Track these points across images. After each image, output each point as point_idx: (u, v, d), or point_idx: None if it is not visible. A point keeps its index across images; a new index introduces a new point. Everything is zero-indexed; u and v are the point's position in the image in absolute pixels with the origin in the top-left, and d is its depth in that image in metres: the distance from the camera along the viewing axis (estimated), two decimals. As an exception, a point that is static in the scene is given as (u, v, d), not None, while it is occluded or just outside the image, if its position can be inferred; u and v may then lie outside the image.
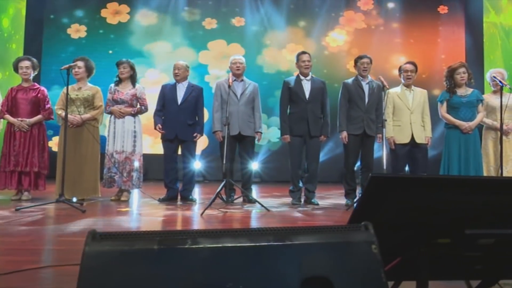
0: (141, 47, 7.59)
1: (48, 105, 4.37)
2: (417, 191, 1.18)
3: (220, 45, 7.77)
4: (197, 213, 3.56)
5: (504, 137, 4.37)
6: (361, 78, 4.46)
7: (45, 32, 7.46)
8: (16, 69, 4.31)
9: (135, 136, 4.37)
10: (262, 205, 3.93)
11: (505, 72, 4.60)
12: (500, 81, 3.98)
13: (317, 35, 8.02)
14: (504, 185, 1.21)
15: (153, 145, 7.30)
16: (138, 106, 4.41)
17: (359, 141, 4.38)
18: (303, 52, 4.49)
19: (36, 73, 4.43)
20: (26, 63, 4.31)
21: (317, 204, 4.30)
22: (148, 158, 6.76)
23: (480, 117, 4.30)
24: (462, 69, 4.31)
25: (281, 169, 6.39)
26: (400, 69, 4.52)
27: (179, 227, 3.08)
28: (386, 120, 4.08)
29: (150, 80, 7.39)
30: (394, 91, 4.46)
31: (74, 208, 3.51)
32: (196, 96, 4.47)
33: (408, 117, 4.33)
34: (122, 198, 4.32)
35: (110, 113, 4.36)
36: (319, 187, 4.63)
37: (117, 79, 4.40)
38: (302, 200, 4.45)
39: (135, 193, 4.77)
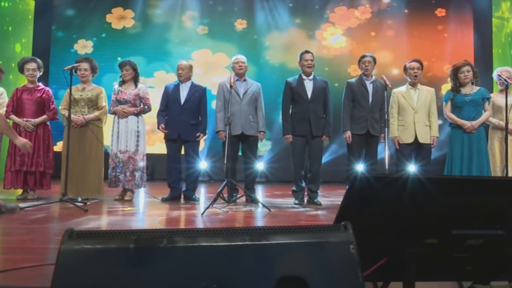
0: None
1: (53, 106, 4.43)
2: (402, 191, 1.16)
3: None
4: (198, 213, 3.57)
5: (510, 137, 4.29)
6: (365, 77, 4.43)
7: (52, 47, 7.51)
8: (21, 70, 4.37)
9: (138, 136, 4.40)
10: (264, 205, 3.93)
11: (512, 70, 4.52)
12: (505, 80, 3.92)
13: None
14: (491, 185, 1.19)
15: (161, 145, 7.33)
16: (141, 105, 4.43)
17: (363, 141, 4.35)
18: (306, 52, 4.47)
19: (41, 73, 4.49)
20: (32, 65, 4.37)
21: (320, 204, 4.28)
22: (155, 158, 6.85)
23: (485, 116, 4.23)
24: (466, 68, 4.25)
25: (286, 169, 6.38)
26: (405, 68, 4.47)
27: (177, 226, 3.09)
28: (388, 120, 4.04)
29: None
30: (399, 91, 4.42)
31: (77, 208, 3.55)
32: (199, 96, 4.49)
33: (412, 116, 4.29)
34: (126, 198, 4.35)
35: (114, 113, 4.40)
36: (324, 187, 4.61)
37: (121, 79, 4.43)
38: (305, 200, 4.43)
39: (139, 193, 4.81)
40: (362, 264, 1.29)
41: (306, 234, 0.95)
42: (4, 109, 4.27)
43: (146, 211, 3.82)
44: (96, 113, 4.31)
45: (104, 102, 4.38)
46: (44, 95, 4.40)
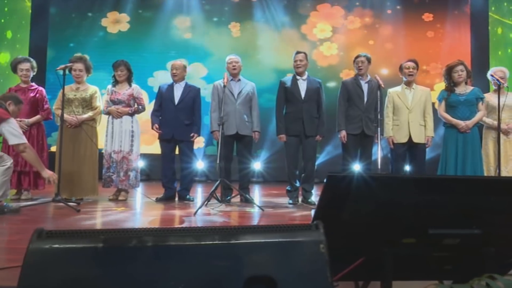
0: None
1: (47, 105, 4.43)
2: (377, 190, 1.16)
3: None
4: (191, 213, 3.57)
5: (504, 137, 4.30)
6: (360, 77, 4.43)
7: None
8: (14, 70, 4.37)
9: (132, 136, 4.40)
10: (257, 205, 3.93)
11: (507, 70, 4.52)
12: (497, 80, 3.91)
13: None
14: (467, 184, 1.19)
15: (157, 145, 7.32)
16: (136, 105, 4.43)
17: (358, 141, 4.35)
18: (297, 52, 4.48)
19: (34, 73, 4.49)
20: (26, 65, 4.37)
21: (314, 204, 4.28)
22: (154, 158, 6.85)
23: (479, 115, 4.23)
24: (460, 67, 4.25)
25: (283, 169, 6.36)
26: (400, 67, 4.47)
27: (167, 226, 3.09)
28: (381, 120, 4.04)
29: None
30: (394, 90, 4.42)
31: (70, 208, 3.55)
32: (193, 96, 4.49)
33: (407, 116, 4.29)
34: (120, 198, 4.35)
35: (108, 113, 4.40)
36: (318, 187, 4.61)
37: (114, 80, 4.42)
38: (300, 199, 4.43)
39: (134, 193, 4.80)
40: (340, 264, 1.30)
41: (276, 234, 0.95)
42: None
43: (139, 211, 3.83)
44: (90, 113, 4.31)
45: (98, 102, 4.38)
46: (37, 95, 4.41)
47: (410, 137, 4.25)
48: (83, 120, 4.25)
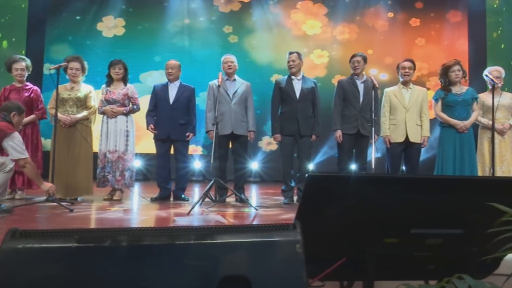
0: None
1: (42, 105, 4.42)
2: (359, 190, 1.16)
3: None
4: (184, 213, 3.57)
5: (499, 137, 4.29)
6: (356, 77, 4.42)
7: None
8: (9, 69, 4.36)
9: (127, 136, 4.39)
10: (251, 205, 3.93)
11: (502, 70, 4.51)
12: (491, 80, 3.91)
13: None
14: (449, 184, 1.19)
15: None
16: (130, 105, 4.43)
17: (353, 140, 4.34)
18: (290, 52, 4.48)
19: (29, 73, 4.48)
20: (21, 64, 4.37)
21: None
22: (149, 158, 6.85)
23: (475, 115, 4.24)
24: (457, 67, 4.25)
25: (280, 169, 6.35)
26: (398, 67, 4.47)
27: (157, 226, 3.08)
28: (375, 119, 4.03)
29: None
30: (391, 90, 4.42)
31: (64, 207, 3.54)
32: (188, 96, 4.48)
33: (403, 115, 4.28)
34: (115, 198, 4.34)
35: (103, 113, 4.39)
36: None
37: (108, 79, 4.41)
38: (295, 199, 4.43)
39: (129, 193, 4.79)
40: (323, 264, 1.29)
41: (252, 234, 0.94)
42: None
43: (133, 211, 3.82)
44: (85, 113, 4.31)
45: (93, 102, 4.37)
46: (32, 94, 4.40)
47: (407, 137, 4.24)
48: (78, 119, 4.24)
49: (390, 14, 7.95)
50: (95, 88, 4.55)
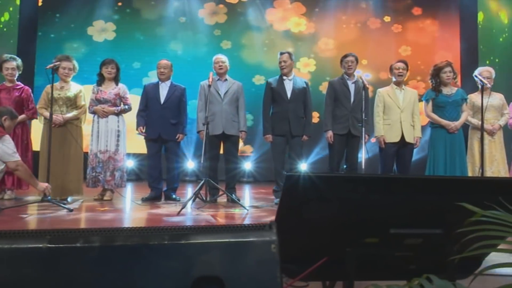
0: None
1: (32, 105, 4.39)
2: (337, 189, 1.16)
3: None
4: (174, 213, 3.55)
5: (489, 137, 4.32)
6: (347, 77, 4.43)
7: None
8: (0, 68, 4.33)
9: (118, 136, 4.37)
10: (242, 205, 3.92)
11: (493, 70, 4.54)
12: (480, 80, 3.93)
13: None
14: (429, 184, 1.19)
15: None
16: (122, 105, 4.41)
17: (344, 141, 4.34)
18: (282, 52, 4.48)
19: (20, 72, 4.45)
20: (12, 64, 4.33)
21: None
22: (142, 158, 6.81)
23: (465, 116, 4.26)
24: (448, 68, 4.27)
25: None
26: (391, 67, 4.48)
27: (144, 226, 3.07)
28: (365, 119, 4.04)
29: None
30: (385, 90, 4.43)
31: (61, 208, 3.52)
32: (179, 95, 4.47)
33: (398, 115, 4.29)
34: (105, 198, 4.32)
35: (94, 112, 4.36)
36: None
37: (99, 78, 4.39)
38: (286, 200, 4.42)
39: (120, 193, 4.76)
40: (305, 264, 1.29)
41: (227, 234, 0.94)
42: None
43: (123, 211, 3.79)
44: (75, 112, 4.28)
45: (83, 101, 4.35)
46: (23, 94, 4.37)
47: (402, 137, 4.25)
48: (68, 119, 4.21)
49: (387, 18, 7.96)
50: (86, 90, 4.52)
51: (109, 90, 4.36)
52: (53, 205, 3.62)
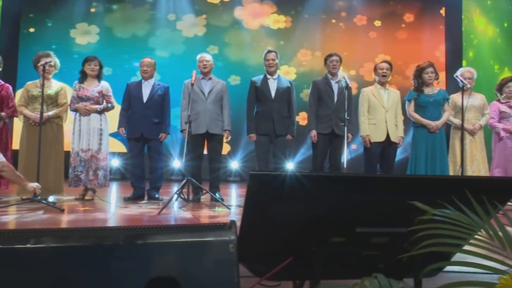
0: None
1: (12, 103, 4.30)
2: (303, 188, 1.15)
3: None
4: (155, 213, 3.52)
5: (470, 137, 4.37)
6: (331, 76, 4.44)
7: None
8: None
9: (101, 134, 4.31)
10: (224, 204, 3.91)
11: (475, 71, 4.60)
12: (461, 81, 3.98)
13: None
14: (394, 183, 1.19)
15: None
16: (105, 103, 4.35)
17: (327, 140, 4.36)
18: (269, 51, 4.48)
19: (1, 69, 4.37)
20: None
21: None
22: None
23: (446, 116, 4.31)
24: (430, 69, 4.31)
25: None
26: (375, 68, 4.51)
27: (124, 225, 3.03)
28: (348, 119, 4.05)
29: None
30: (369, 89, 4.46)
31: (36, 208, 3.47)
32: (162, 94, 4.43)
33: (383, 115, 4.32)
34: (87, 197, 4.26)
35: (75, 110, 4.30)
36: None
37: (81, 75, 4.33)
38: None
39: (102, 192, 4.71)
40: (273, 264, 1.28)
41: (185, 234, 0.92)
42: None
43: (103, 210, 3.74)
44: (56, 111, 4.21)
45: (64, 99, 4.28)
46: (2, 92, 4.27)
47: (387, 136, 4.28)
48: (49, 117, 4.14)
49: (379, 23, 7.99)
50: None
51: (92, 87, 4.31)
52: (27, 205, 3.56)
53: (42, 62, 4.09)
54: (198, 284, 0.87)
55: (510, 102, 4.54)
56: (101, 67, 4.34)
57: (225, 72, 7.14)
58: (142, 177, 4.47)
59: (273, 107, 4.32)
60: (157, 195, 4.43)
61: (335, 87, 4.40)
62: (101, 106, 4.31)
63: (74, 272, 0.86)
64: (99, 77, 4.37)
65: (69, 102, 4.32)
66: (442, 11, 8.01)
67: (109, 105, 4.38)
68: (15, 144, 4.48)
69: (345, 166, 3.87)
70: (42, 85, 3.87)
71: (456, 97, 4.46)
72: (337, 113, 4.31)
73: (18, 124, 5.05)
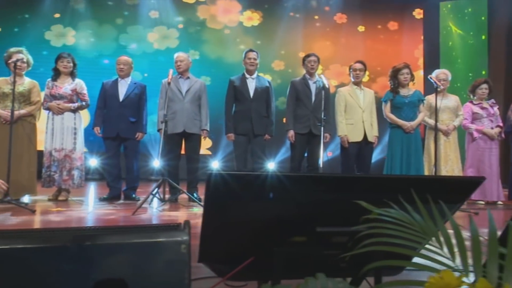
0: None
1: (-18, 100, 4.18)
2: (262, 188, 1.14)
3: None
4: (130, 213, 3.47)
5: (444, 138, 4.46)
6: (309, 77, 4.46)
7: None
8: None
9: (75, 133, 4.23)
10: (201, 205, 3.88)
11: (449, 73, 4.69)
12: (435, 82, 4.05)
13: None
14: (353, 182, 1.19)
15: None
16: (79, 101, 4.27)
17: (305, 140, 4.38)
18: (251, 50, 4.48)
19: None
20: None
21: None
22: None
23: (421, 116, 4.38)
24: (406, 70, 4.38)
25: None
26: (350, 68, 4.55)
27: (95, 226, 2.98)
28: (325, 119, 4.08)
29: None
30: (345, 89, 4.49)
31: (22, 208, 3.38)
32: (139, 93, 4.38)
33: (360, 115, 4.36)
34: (60, 198, 4.17)
35: (48, 109, 4.21)
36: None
37: (54, 73, 4.23)
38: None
39: (77, 193, 4.62)
40: (235, 264, 1.27)
41: (136, 235, 0.91)
42: None
43: (76, 211, 3.67)
44: (28, 108, 4.11)
45: (37, 97, 4.18)
46: (-29, 89, 4.15)
47: (364, 136, 4.32)
48: (20, 115, 4.04)
49: (362, 28, 8.08)
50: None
51: (65, 85, 4.22)
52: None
53: (14, 58, 3.99)
54: (147, 285, 0.86)
55: (483, 104, 4.65)
56: (74, 64, 4.26)
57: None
58: (118, 177, 4.41)
59: (252, 107, 4.32)
60: (134, 195, 4.37)
61: (313, 87, 4.42)
62: (75, 105, 4.23)
63: (19, 275, 0.84)
64: (73, 74, 4.28)
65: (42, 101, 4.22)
66: (419, 13, 8.14)
67: (84, 103, 4.30)
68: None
69: (321, 166, 3.89)
70: (14, 82, 3.78)
71: (431, 98, 4.54)
72: (315, 113, 4.34)
73: None
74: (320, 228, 1.20)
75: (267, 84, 4.45)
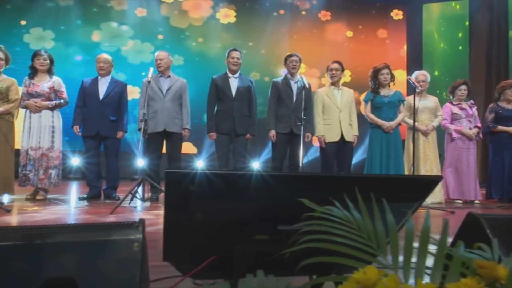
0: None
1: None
2: (222, 187, 1.15)
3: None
4: (107, 212, 3.44)
5: (423, 138, 4.52)
6: (290, 77, 4.48)
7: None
8: None
9: (53, 132, 4.17)
10: (181, 204, 3.86)
11: (428, 74, 4.76)
12: (413, 83, 4.11)
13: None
14: (316, 181, 1.21)
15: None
16: (57, 99, 4.21)
17: (287, 140, 4.39)
18: (234, 49, 4.48)
19: None
20: None
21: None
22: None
23: (401, 117, 4.43)
24: (386, 70, 4.42)
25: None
26: (327, 68, 4.58)
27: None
28: (305, 118, 4.10)
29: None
30: (323, 90, 4.53)
31: None
32: (119, 91, 4.34)
33: (337, 115, 4.39)
34: (38, 197, 4.12)
35: (25, 107, 4.14)
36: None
37: (31, 71, 4.17)
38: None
39: (58, 191, 4.56)
40: (199, 262, 1.28)
41: (88, 233, 0.90)
42: None
43: (52, 210, 3.61)
44: (6, 106, 4.04)
45: (15, 95, 4.11)
46: None
47: (342, 136, 4.35)
48: (-2, 113, 3.98)
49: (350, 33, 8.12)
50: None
51: (42, 83, 4.15)
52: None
53: None
54: (97, 284, 0.85)
55: (462, 104, 4.73)
56: (51, 61, 4.20)
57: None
58: (98, 176, 4.36)
59: (234, 106, 4.32)
60: (114, 195, 4.33)
61: (294, 87, 4.44)
62: (53, 102, 4.17)
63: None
64: (50, 72, 4.22)
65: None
66: (397, 14, 8.24)
67: (62, 101, 4.25)
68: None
69: (301, 165, 3.91)
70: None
71: (411, 99, 4.59)
72: (296, 113, 4.35)
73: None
74: (282, 226, 1.21)
75: (250, 84, 4.45)
